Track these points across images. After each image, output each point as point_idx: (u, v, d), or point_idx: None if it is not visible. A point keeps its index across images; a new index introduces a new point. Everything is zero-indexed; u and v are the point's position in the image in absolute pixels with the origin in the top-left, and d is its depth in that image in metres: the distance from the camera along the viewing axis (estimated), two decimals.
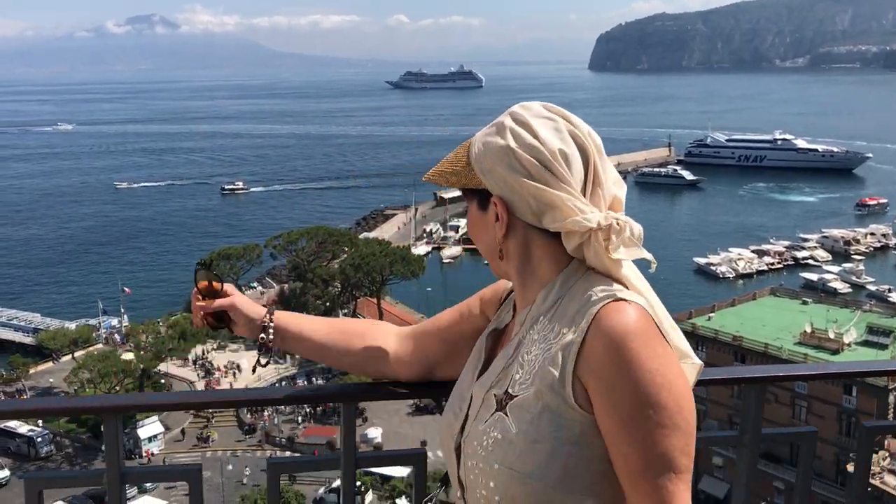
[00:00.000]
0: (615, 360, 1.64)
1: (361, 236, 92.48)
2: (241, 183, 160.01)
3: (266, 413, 63.68)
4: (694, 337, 56.58)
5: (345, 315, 79.49)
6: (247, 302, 2.29)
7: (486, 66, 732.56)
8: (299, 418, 63.61)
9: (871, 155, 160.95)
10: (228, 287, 2.27)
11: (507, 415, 1.75)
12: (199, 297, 2.23)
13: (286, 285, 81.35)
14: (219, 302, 2.24)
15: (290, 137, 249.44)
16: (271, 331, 2.28)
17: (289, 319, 2.34)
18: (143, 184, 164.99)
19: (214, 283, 2.23)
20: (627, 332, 1.65)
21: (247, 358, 71.29)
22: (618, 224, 1.82)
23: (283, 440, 59.46)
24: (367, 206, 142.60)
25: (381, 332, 2.36)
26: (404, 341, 2.33)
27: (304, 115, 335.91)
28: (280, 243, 78.68)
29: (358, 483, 50.18)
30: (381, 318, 73.93)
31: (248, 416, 62.93)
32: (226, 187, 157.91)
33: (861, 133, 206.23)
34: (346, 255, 77.28)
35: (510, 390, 1.77)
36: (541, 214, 1.82)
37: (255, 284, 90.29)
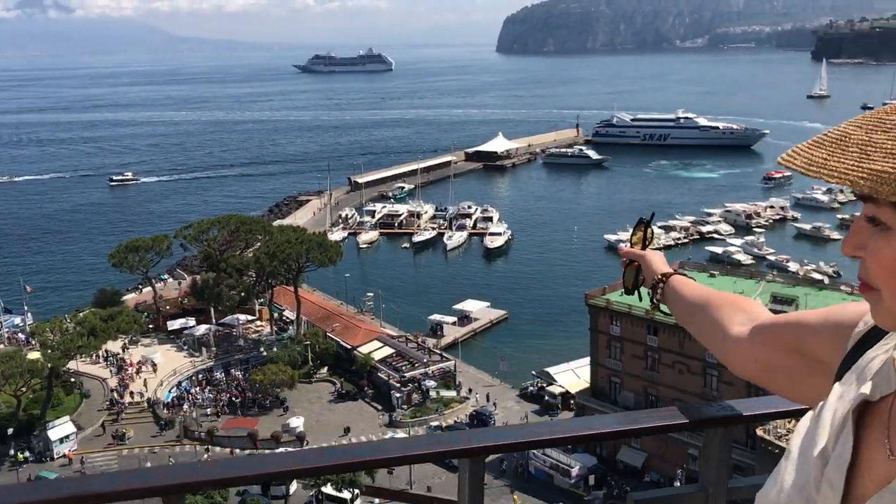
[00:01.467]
0: None
1: (275, 223, 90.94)
2: (130, 174, 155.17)
3: (185, 406, 62.30)
4: (609, 312, 58.12)
5: (260, 305, 78.25)
6: (658, 260, 2.53)
7: (396, 49, 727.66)
8: (209, 410, 62.47)
9: (768, 131, 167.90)
10: (653, 251, 2.60)
11: None
12: (630, 242, 2.76)
13: (198, 276, 79.43)
14: (631, 250, 2.54)
15: (196, 124, 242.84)
16: (661, 287, 2.35)
17: (680, 282, 2.33)
18: (25, 177, 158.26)
19: (644, 238, 2.71)
20: None
21: (160, 352, 69.45)
22: None
23: (203, 434, 58.31)
24: (279, 192, 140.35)
25: (737, 309, 2.06)
26: (754, 329, 1.97)
27: (210, 100, 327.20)
28: (191, 233, 76.56)
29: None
30: (298, 306, 73.07)
31: (165, 410, 61.41)
32: (114, 178, 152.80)
33: (758, 110, 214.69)
34: (260, 244, 75.88)
35: None
36: None
37: (164, 276, 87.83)
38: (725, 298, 2.19)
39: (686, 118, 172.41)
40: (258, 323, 77.08)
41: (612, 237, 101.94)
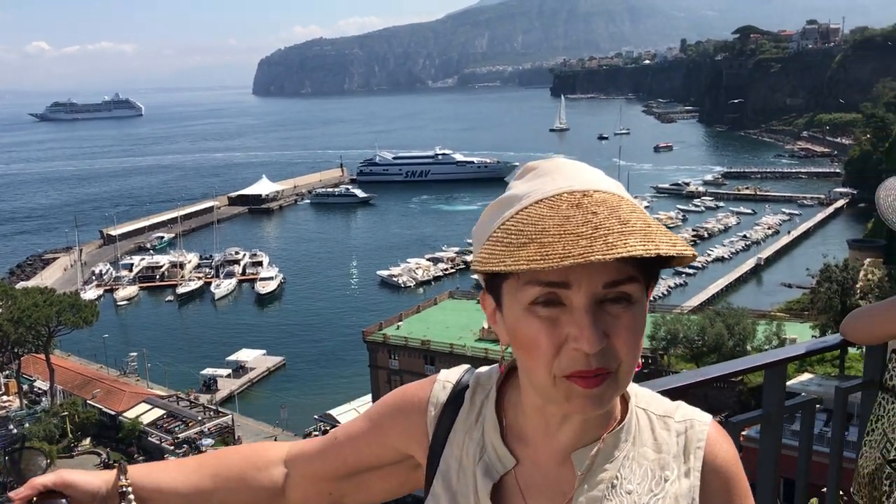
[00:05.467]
0: (734, 494, 1.53)
1: (18, 286, 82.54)
2: None
3: None
4: (386, 346, 58.71)
5: (6, 377, 70.58)
6: (80, 474, 1.71)
7: (146, 94, 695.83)
8: None
9: (518, 163, 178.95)
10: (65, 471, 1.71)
11: None
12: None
13: None
14: (42, 480, 1.61)
15: None
16: (132, 498, 1.62)
17: (143, 474, 1.67)
18: None
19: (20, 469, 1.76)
20: (736, 462, 1.55)
21: None
22: None
23: None
24: (20, 252, 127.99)
25: (267, 460, 1.70)
26: (299, 465, 1.69)
27: None
28: None
29: None
30: (52, 375, 66.79)
31: None
32: None
33: (507, 144, 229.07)
34: (2, 310, 68.53)
35: None
36: None
37: None
38: (231, 457, 1.73)
39: (444, 154, 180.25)
40: (5, 398, 69.52)
41: (384, 272, 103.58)
